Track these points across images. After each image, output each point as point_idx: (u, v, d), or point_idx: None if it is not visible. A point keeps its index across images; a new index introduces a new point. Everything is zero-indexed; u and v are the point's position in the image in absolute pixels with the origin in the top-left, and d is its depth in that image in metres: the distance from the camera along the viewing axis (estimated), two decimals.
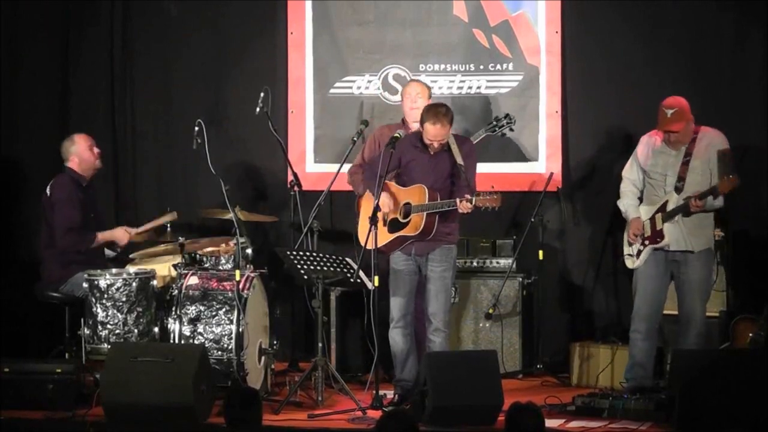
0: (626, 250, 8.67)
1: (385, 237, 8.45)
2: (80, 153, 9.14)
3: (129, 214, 10.15)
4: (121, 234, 9.13)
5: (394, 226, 8.51)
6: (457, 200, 8.25)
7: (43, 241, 9.09)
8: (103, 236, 9.07)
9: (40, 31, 10.20)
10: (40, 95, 10.23)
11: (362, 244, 8.58)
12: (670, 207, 8.47)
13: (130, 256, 9.21)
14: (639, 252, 8.57)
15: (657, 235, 8.49)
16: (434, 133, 8.38)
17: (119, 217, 10.09)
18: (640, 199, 8.69)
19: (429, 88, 9.21)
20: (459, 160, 8.41)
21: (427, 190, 8.40)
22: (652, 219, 8.53)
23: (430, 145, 8.45)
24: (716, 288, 9.09)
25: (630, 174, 8.72)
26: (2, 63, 10.06)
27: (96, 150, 9.20)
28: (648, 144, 8.65)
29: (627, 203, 8.69)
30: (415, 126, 8.89)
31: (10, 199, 10.01)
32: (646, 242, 8.54)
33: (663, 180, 8.52)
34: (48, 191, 9.07)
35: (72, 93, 10.28)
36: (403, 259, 8.55)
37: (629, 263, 8.65)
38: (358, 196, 9.13)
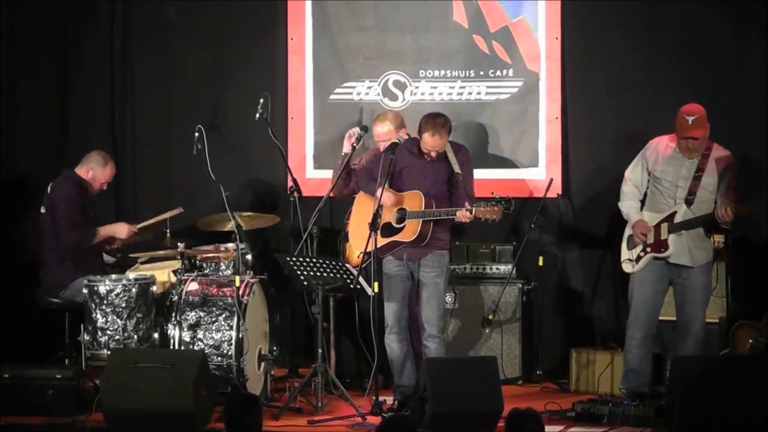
0: (625, 254, 8.65)
1: (378, 241, 8.42)
2: (96, 177, 9.15)
3: (129, 219, 10.14)
4: (121, 228, 9.11)
5: (387, 230, 8.50)
6: (458, 210, 8.24)
7: (43, 244, 9.09)
8: (104, 230, 9.06)
9: (39, 36, 10.20)
10: (40, 101, 10.23)
11: (355, 248, 8.62)
12: (678, 219, 8.44)
13: (131, 255, 9.21)
14: (639, 258, 8.56)
15: (661, 245, 8.47)
16: (432, 144, 8.39)
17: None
18: (642, 203, 8.68)
19: (398, 118, 9.17)
20: (456, 168, 8.41)
21: (423, 197, 8.40)
22: (657, 227, 8.51)
23: (428, 154, 8.46)
24: (716, 294, 9.10)
25: (633, 175, 8.67)
26: (2, 69, 10.06)
27: (105, 186, 9.23)
28: (658, 149, 8.60)
29: (630, 205, 8.65)
30: None
31: (10, 204, 10.01)
32: (648, 249, 8.52)
33: (673, 190, 8.50)
34: (50, 189, 9.08)
35: (72, 98, 10.27)
36: (395, 265, 8.55)
37: (627, 267, 8.63)
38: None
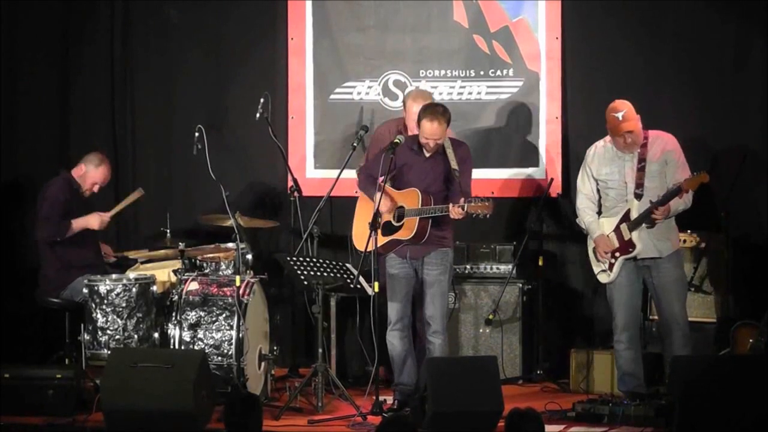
0: (596, 267, 8.60)
1: (379, 240, 8.42)
2: (87, 175, 9.13)
3: (129, 219, 10.15)
4: (94, 219, 9.07)
5: (387, 229, 8.51)
6: (450, 206, 8.24)
7: (40, 244, 9.09)
8: (77, 223, 9.01)
9: (39, 36, 10.19)
10: (40, 101, 10.23)
11: (357, 246, 8.62)
12: (634, 214, 8.42)
13: (131, 255, 9.22)
14: (611, 265, 8.53)
15: (628, 245, 8.44)
16: (431, 131, 8.35)
17: (119, 223, 10.08)
18: (598, 213, 8.65)
19: (431, 96, 9.20)
20: (453, 164, 8.39)
21: (420, 194, 8.40)
22: (618, 230, 8.47)
23: (426, 146, 8.44)
24: (714, 294, 9.11)
25: (584, 187, 8.63)
26: (2, 69, 10.06)
27: (97, 188, 9.20)
28: (597, 153, 8.57)
29: (588, 220, 8.60)
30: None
31: (10, 206, 10.01)
32: (617, 254, 8.48)
33: (624, 188, 8.48)
34: (42, 192, 9.10)
35: (72, 100, 10.28)
36: (398, 263, 8.55)
37: (603, 278, 8.57)
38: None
